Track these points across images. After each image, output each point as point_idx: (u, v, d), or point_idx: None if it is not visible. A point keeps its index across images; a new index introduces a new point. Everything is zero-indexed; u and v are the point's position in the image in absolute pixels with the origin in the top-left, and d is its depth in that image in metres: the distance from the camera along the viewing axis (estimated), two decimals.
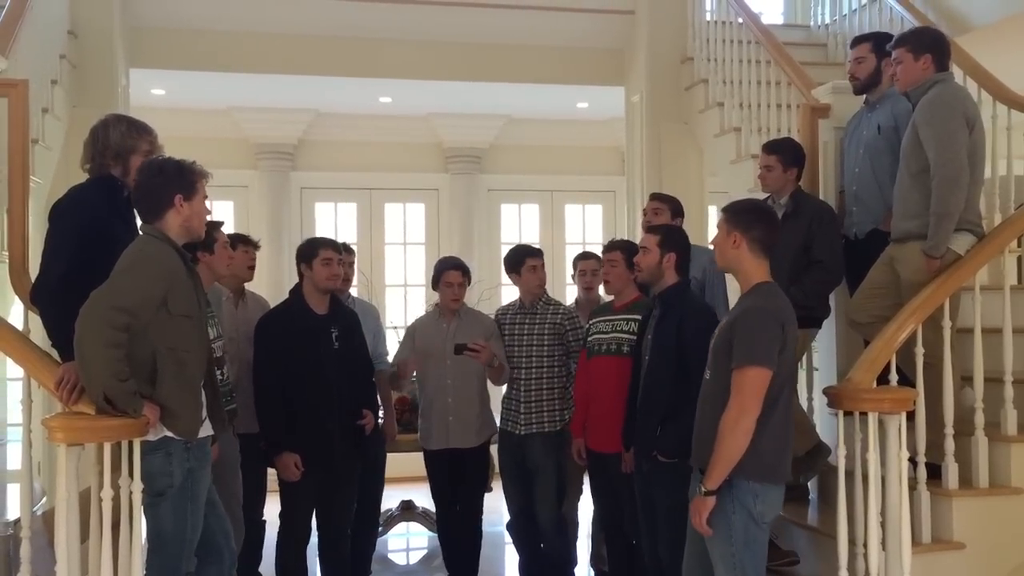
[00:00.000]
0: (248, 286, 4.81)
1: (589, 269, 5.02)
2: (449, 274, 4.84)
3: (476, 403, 4.84)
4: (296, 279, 4.53)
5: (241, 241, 4.67)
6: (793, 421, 3.23)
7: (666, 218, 4.62)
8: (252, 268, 4.74)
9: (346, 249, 4.95)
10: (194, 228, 3.24)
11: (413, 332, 4.99)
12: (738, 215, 3.25)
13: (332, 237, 4.75)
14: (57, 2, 5.70)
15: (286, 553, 4.44)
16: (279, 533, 4.46)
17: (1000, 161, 4.87)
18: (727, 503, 3.07)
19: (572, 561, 4.94)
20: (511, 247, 5.04)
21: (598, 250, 4.79)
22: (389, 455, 5.22)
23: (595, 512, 4.79)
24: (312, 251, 4.42)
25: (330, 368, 4.32)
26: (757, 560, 3.12)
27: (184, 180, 3.18)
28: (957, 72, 4.73)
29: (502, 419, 4.84)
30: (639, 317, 4.15)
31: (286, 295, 4.62)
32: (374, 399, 4.69)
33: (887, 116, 4.25)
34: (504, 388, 4.90)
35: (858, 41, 4.49)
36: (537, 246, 5.09)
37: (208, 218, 3.35)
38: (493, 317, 4.98)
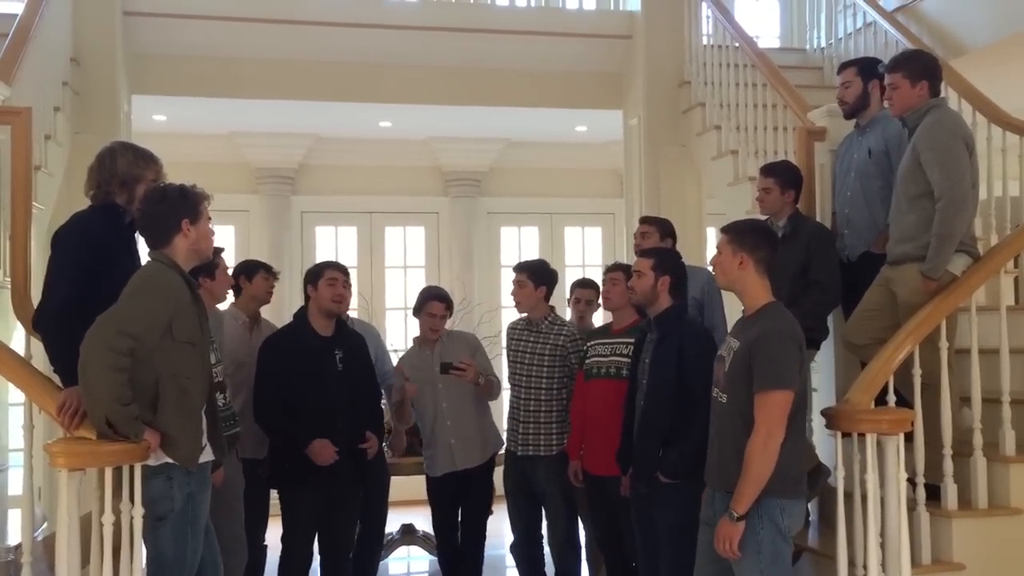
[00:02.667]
0: None
1: (584, 298, 5.00)
2: (432, 304, 4.85)
3: (475, 421, 4.85)
4: (299, 303, 4.57)
5: (263, 268, 4.77)
6: (805, 436, 3.26)
7: (655, 240, 4.61)
8: (270, 294, 4.83)
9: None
10: (202, 250, 3.28)
11: (401, 370, 4.96)
12: (743, 236, 3.28)
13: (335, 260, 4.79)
14: (60, 30, 5.76)
15: None
16: (281, 557, 4.45)
17: (996, 182, 4.91)
18: (754, 520, 3.09)
19: None
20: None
21: (598, 272, 4.79)
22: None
23: (587, 534, 4.78)
24: (318, 272, 4.47)
25: (333, 390, 4.33)
26: (784, 573, 3.15)
27: (188, 204, 3.21)
28: (952, 95, 4.78)
29: (507, 438, 4.84)
30: (636, 340, 4.16)
31: (287, 319, 4.65)
32: (379, 423, 4.68)
33: (878, 140, 4.28)
34: (508, 405, 4.89)
35: (844, 67, 4.53)
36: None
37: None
38: (505, 331, 4.98)
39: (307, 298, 4.49)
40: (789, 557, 3.18)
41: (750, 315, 3.28)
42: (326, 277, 4.42)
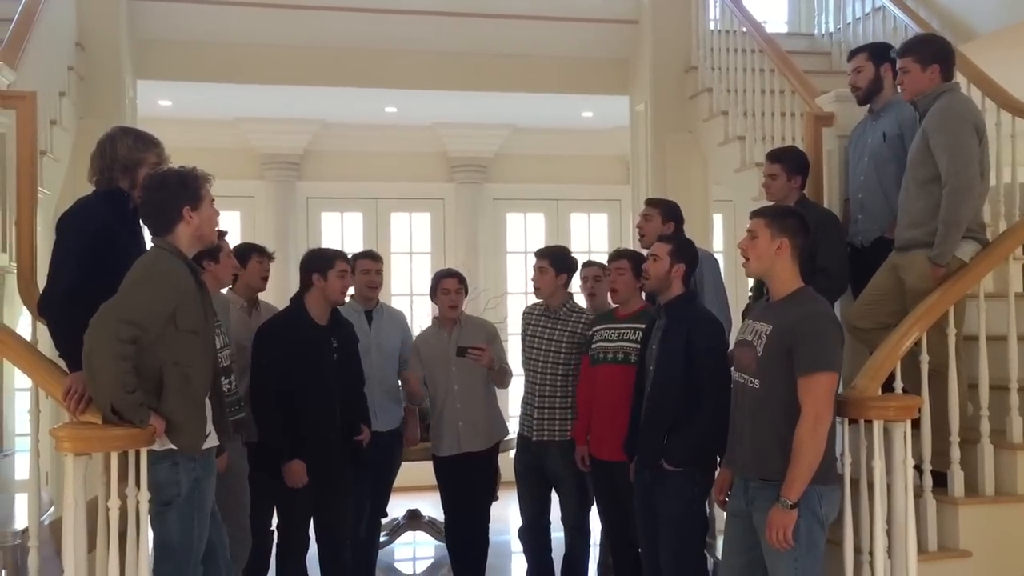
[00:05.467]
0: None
1: (591, 275, 5.01)
2: (446, 281, 4.90)
3: (483, 407, 4.89)
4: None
5: (255, 251, 4.71)
6: (836, 421, 3.25)
7: (656, 223, 4.60)
8: (265, 279, 4.76)
9: (373, 257, 5.01)
10: (206, 235, 3.26)
11: (418, 348, 5.03)
12: (784, 221, 3.25)
13: (340, 248, 4.76)
14: (65, 15, 5.74)
15: (285, 564, 4.44)
16: (278, 544, 4.46)
17: (1005, 169, 4.88)
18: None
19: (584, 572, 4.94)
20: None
21: (604, 259, 4.79)
22: None
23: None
24: (328, 262, 4.32)
25: (331, 378, 4.31)
26: (818, 564, 3.14)
27: (188, 190, 3.18)
28: (961, 80, 4.73)
29: (520, 423, 4.86)
30: (645, 326, 4.15)
31: None
32: (367, 411, 4.65)
33: (892, 124, 4.25)
34: (522, 393, 4.88)
35: (855, 52, 4.49)
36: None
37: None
38: (520, 316, 4.99)
39: (306, 284, 4.36)
40: (823, 546, 3.17)
41: (780, 299, 3.25)
42: (337, 268, 4.31)
